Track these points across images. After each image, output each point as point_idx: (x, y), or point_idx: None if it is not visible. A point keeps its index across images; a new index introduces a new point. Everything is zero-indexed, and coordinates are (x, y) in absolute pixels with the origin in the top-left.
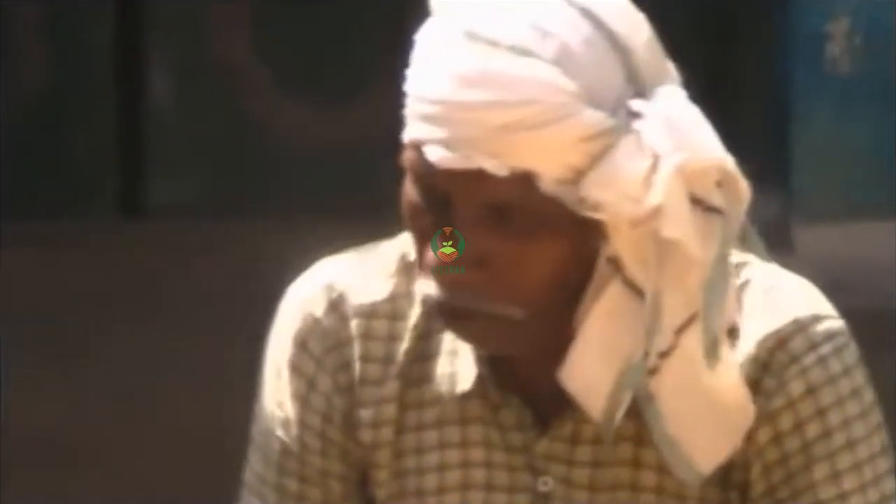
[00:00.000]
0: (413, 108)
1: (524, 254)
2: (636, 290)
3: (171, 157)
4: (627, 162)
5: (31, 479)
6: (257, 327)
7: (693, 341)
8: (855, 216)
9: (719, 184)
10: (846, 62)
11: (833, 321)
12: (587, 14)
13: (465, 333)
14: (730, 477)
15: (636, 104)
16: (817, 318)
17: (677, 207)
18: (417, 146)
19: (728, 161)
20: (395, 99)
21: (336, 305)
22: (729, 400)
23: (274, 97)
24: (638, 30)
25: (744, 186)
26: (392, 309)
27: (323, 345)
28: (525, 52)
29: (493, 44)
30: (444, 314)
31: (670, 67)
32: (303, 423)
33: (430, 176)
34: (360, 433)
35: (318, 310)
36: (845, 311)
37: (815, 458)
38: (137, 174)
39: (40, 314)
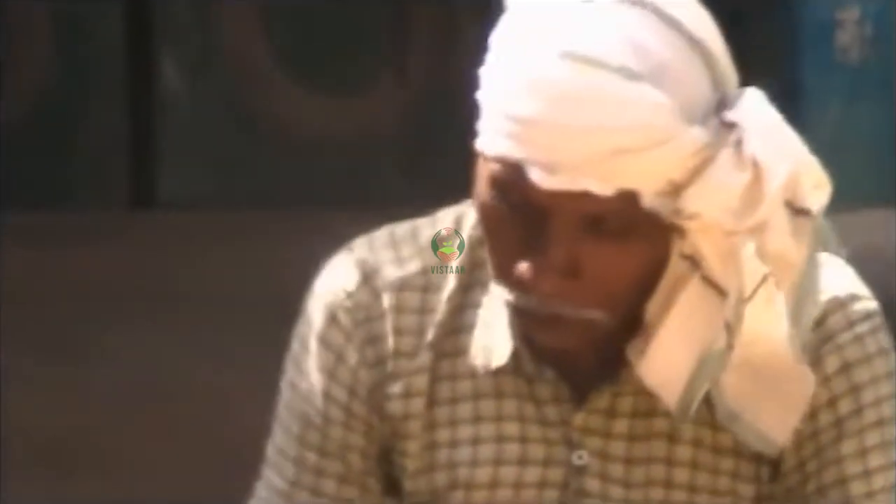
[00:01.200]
0: (498, 124)
1: (616, 261)
2: (714, 287)
3: (182, 149)
4: (728, 175)
5: (43, 474)
6: (268, 317)
7: (753, 314)
8: (869, 205)
9: (807, 183)
10: (856, 50)
11: (870, 302)
12: (675, 25)
13: (551, 339)
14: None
15: (730, 115)
16: (855, 298)
17: (780, 219)
18: (506, 162)
19: (815, 162)
20: (402, 92)
21: (368, 279)
22: (790, 369)
23: (284, 90)
24: (715, 33)
25: (826, 182)
26: (425, 282)
27: (353, 318)
28: (630, 75)
29: (595, 64)
30: (530, 321)
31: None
32: (328, 396)
33: (523, 190)
34: (390, 405)
35: (350, 283)
36: None
37: (846, 433)
38: (149, 167)
39: (52, 304)
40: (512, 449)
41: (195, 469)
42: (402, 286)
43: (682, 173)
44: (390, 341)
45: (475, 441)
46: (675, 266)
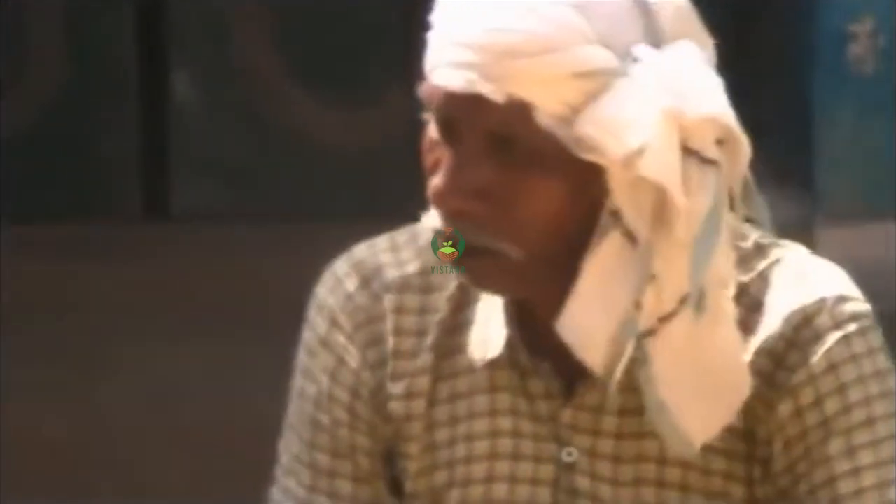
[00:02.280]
0: (430, 51)
1: (522, 188)
2: (634, 242)
3: (195, 162)
4: (620, 103)
5: (50, 486)
6: (279, 326)
7: (703, 323)
8: (880, 218)
9: (719, 141)
10: (870, 63)
11: (859, 303)
12: None
13: (466, 270)
14: (754, 452)
15: (640, 50)
16: (844, 299)
17: (663, 151)
18: (428, 77)
19: (727, 116)
20: (412, 104)
21: (368, 282)
22: (725, 371)
23: (296, 103)
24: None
25: (744, 143)
26: (425, 282)
27: (354, 321)
28: None
29: None
30: (451, 257)
31: (706, 40)
32: (332, 397)
33: (438, 103)
34: (392, 406)
35: (351, 286)
36: None
37: (833, 432)
38: (162, 179)
39: (67, 314)
40: (505, 444)
41: (203, 472)
42: (402, 287)
43: (577, 95)
44: (391, 342)
45: (470, 437)
46: (603, 223)
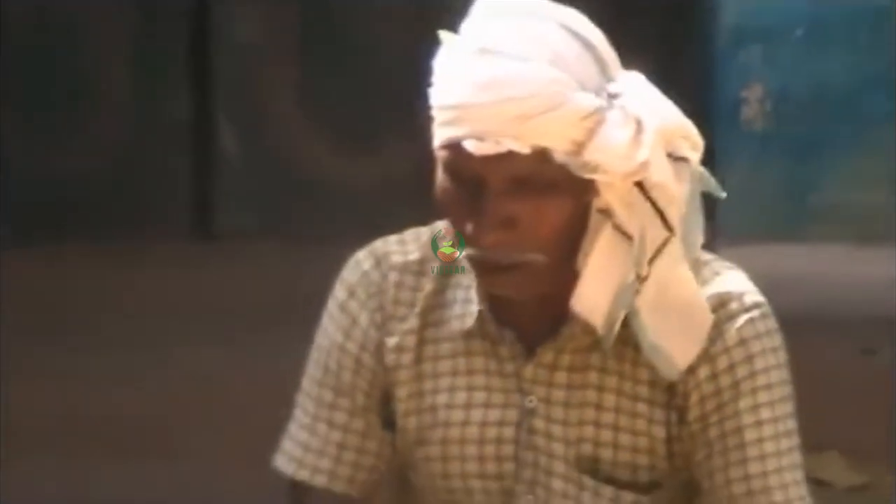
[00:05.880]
0: (441, 117)
1: (542, 211)
2: (623, 233)
3: (235, 192)
4: (617, 130)
5: (121, 447)
6: (296, 323)
7: (663, 267)
8: (767, 241)
9: (685, 139)
10: (759, 122)
11: (759, 296)
12: (568, 29)
13: (500, 284)
14: (673, 401)
15: (613, 87)
16: (748, 291)
17: (659, 159)
18: (449, 145)
19: (688, 122)
20: (415, 149)
21: (379, 262)
22: (693, 310)
23: (316, 146)
24: (601, 38)
25: (699, 139)
26: (420, 268)
27: (367, 291)
28: (526, 59)
29: (500, 54)
30: (483, 270)
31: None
32: (342, 349)
33: (465, 164)
34: (386, 357)
35: (367, 265)
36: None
37: (742, 392)
38: (207, 205)
39: (127, 318)
40: (479, 395)
41: (233, 442)
42: (402, 269)
43: (581, 132)
44: (389, 308)
45: (452, 389)
46: (594, 222)
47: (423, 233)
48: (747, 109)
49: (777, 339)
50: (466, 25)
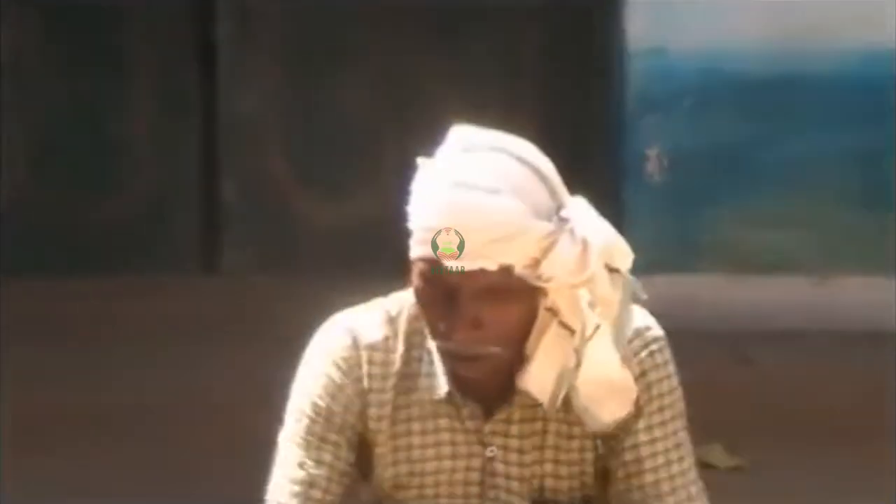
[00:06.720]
0: (419, 236)
1: (504, 313)
2: (567, 328)
3: (239, 231)
4: (568, 249)
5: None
6: (287, 350)
7: (596, 349)
8: (664, 271)
9: (620, 253)
10: (659, 175)
11: (658, 331)
12: (523, 161)
13: (466, 369)
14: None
15: (564, 212)
16: (648, 328)
17: (601, 274)
18: (426, 260)
19: (622, 242)
20: (396, 192)
21: (355, 342)
22: (619, 384)
23: (304, 194)
24: (549, 165)
25: (629, 252)
26: (385, 345)
27: (348, 364)
28: (495, 192)
29: (473, 187)
30: (453, 359)
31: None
32: (329, 409)
33: (442, 276)
34: (369, 422)
35: (346, 343)
36: (666, 331)
37: (641, 413)
38: (216, 242)
39: (138, 344)
40: (446, 449)
41: (230, 439)
42: (373, 348)
43: (538, 251)
44: (366, 382)
45: (423, 446)
46: (542, 317)
47: (382, 309)
48: (649, 165)
49: (671, 368)
50: (441, 156)
